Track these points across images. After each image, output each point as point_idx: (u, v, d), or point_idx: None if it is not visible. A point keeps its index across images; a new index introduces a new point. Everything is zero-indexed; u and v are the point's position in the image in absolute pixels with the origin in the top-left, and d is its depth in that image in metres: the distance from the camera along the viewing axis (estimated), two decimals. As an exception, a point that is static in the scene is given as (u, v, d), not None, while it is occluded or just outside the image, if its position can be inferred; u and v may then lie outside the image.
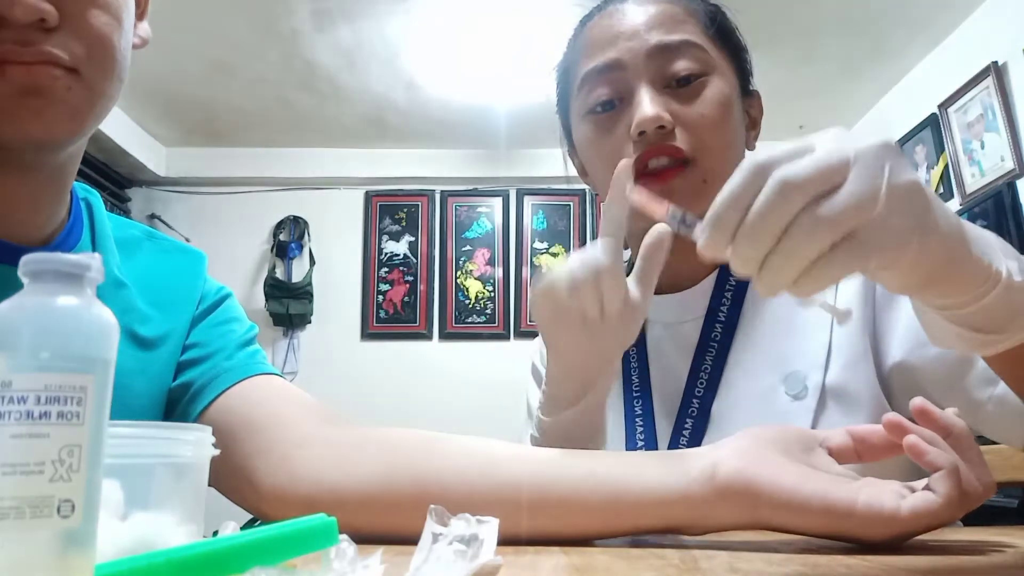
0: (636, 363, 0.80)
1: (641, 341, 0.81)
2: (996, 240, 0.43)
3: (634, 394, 0.78)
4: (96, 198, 0.67)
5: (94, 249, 0.64)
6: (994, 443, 0.72)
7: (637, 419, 0.77)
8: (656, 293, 0.80)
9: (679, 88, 0.71)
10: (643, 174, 0.70)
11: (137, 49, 0.61)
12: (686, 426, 0.73)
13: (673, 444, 0.73)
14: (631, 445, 0.76)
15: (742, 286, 0.76)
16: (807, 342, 0.70)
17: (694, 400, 0.73)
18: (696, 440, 0.72)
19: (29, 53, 0.49)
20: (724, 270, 0.77)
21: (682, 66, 0.70)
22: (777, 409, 0.68)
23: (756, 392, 0.71)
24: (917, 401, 0.45)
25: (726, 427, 0.70)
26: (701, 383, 0.73)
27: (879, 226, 0.34)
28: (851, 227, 0.34)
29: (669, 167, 0.70)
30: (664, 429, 0.75)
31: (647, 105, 0.68)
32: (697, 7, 0.76)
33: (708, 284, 0.77)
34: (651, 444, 0.75)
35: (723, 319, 0.75)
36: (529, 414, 0.90)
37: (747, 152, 0.80)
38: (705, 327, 0.76)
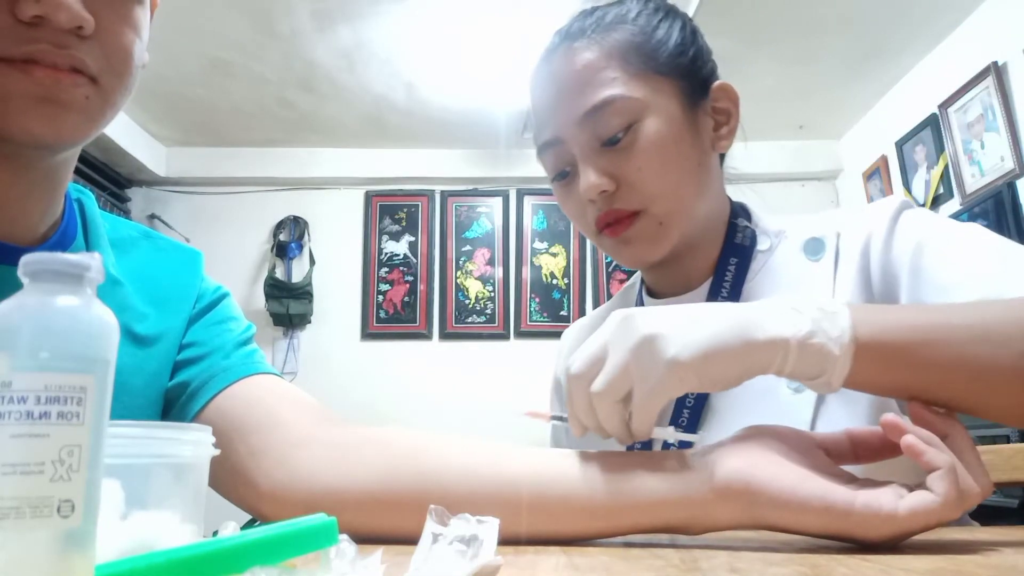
0: None
1: None
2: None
3: None
4: (89, 198, 0.67)
5: (88, 249, 0.63)
6: (993, 443, 0.72)
7: None
8: (658, 297, 0.81)
9: (613, 145, 0.72)
10: (605, 228, 0.75)
11: None
12: (680, 422, 0.73)
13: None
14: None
15: (737, 289, 0.76)
16: None
17: (688, 398, 0.74)
18: (690, 431, 0.72)
19: (62, 56, 0.50)
20: (719, 275, 0.78)
21: (610, 125, 0.72)
22: (779, 402, 0.68)
23: (756, 386, 0.71)
24: (915, 403, 0.46)
25: (727, 419, 0.71)
26: None
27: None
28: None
29: (625, 218, 0.74)
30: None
31: (585, 177, 0.73)
32: (617, 39, 0.74)
33: (704, 289, 0.78)
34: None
35: None
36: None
37: (722, 156, 0.81)
38: None
